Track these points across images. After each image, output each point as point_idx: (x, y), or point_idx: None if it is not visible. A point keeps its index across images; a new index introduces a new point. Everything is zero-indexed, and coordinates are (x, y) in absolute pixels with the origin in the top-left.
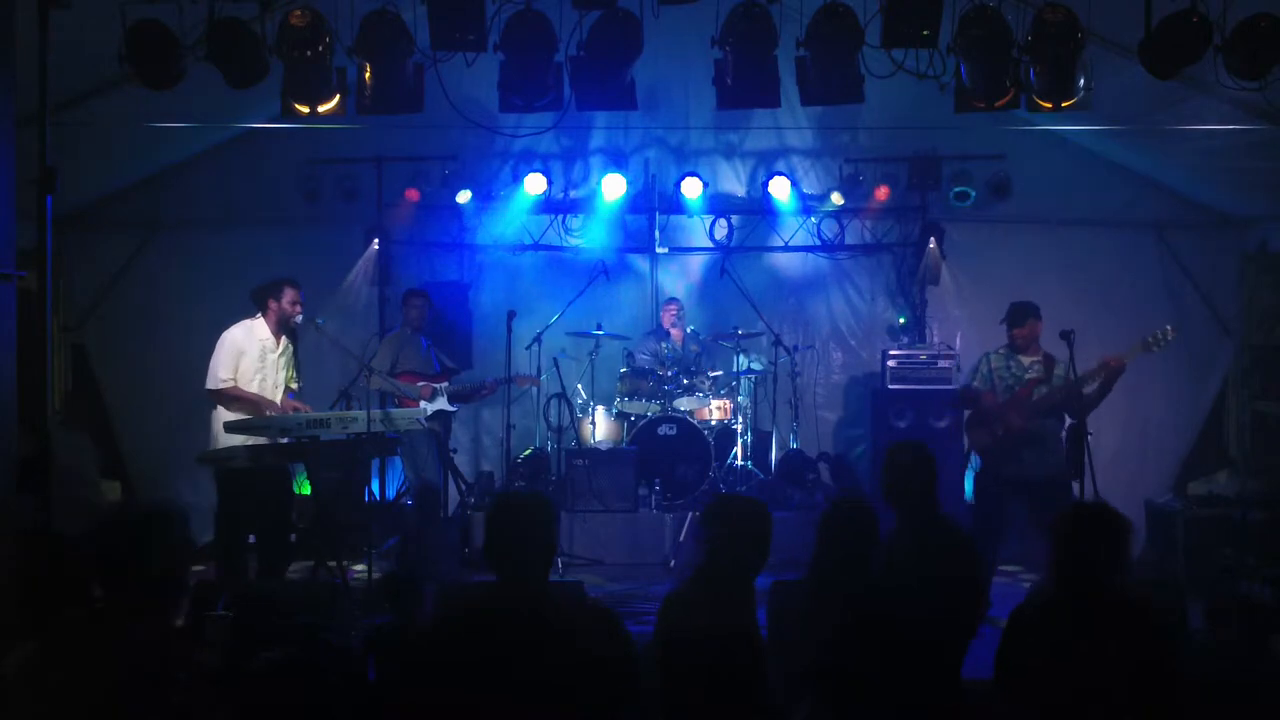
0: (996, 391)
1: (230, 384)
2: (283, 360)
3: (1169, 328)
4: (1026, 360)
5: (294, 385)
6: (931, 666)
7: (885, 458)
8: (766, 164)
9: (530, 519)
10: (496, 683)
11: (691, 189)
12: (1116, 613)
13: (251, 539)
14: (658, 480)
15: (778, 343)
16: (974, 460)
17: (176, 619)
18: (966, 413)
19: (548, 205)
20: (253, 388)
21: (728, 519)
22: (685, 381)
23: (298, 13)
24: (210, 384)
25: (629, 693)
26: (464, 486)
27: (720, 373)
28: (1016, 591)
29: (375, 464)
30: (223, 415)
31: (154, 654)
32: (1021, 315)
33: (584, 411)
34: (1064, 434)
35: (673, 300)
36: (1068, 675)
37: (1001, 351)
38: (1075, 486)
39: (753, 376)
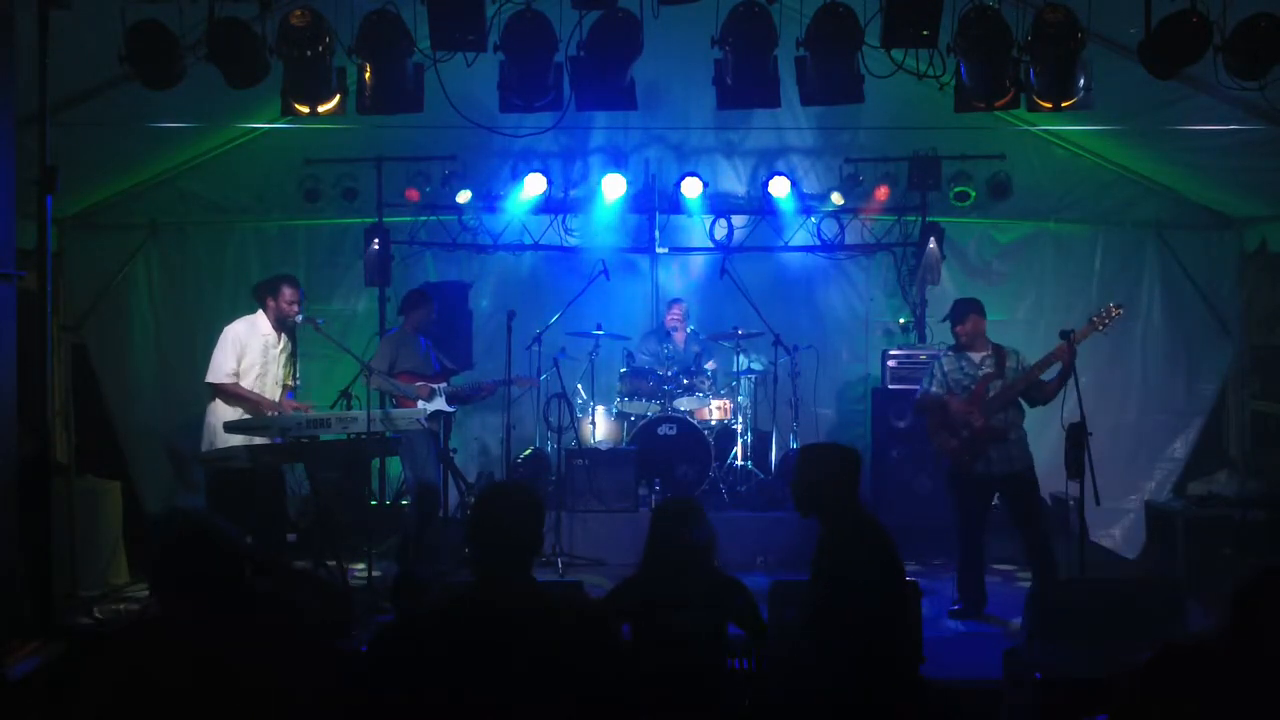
0: (954, 394)
1: (233, 380)
2: (284, 356)
3: (1112, 305)
4: (977, 357)
5: (290, 383)
6: (889, 668)
7: (794, 469)
8: (766, 164)
9: (510, 512)
10: (475, 681)
11: (691, 189)
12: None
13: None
14: (658, 480)
15: (778, 343)
16: (944, 463)
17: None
18: (927, 419)
19: (548, 205)
20: (254, 383)
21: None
22: (685, 381)
23: (298, 13)
24: (212, 377)
25: (615, 693)
26: (464, 486)
27: (714, 365)
28: (1012, 591)
29: (375, 464)
30: (220, 410)
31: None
32: (962, 311)
33: (584, 411)
34: (1025, 426)
35: (679, 301)
36: None
37: (951, 353)
38: (1074, 486)
39: (753, 376)
